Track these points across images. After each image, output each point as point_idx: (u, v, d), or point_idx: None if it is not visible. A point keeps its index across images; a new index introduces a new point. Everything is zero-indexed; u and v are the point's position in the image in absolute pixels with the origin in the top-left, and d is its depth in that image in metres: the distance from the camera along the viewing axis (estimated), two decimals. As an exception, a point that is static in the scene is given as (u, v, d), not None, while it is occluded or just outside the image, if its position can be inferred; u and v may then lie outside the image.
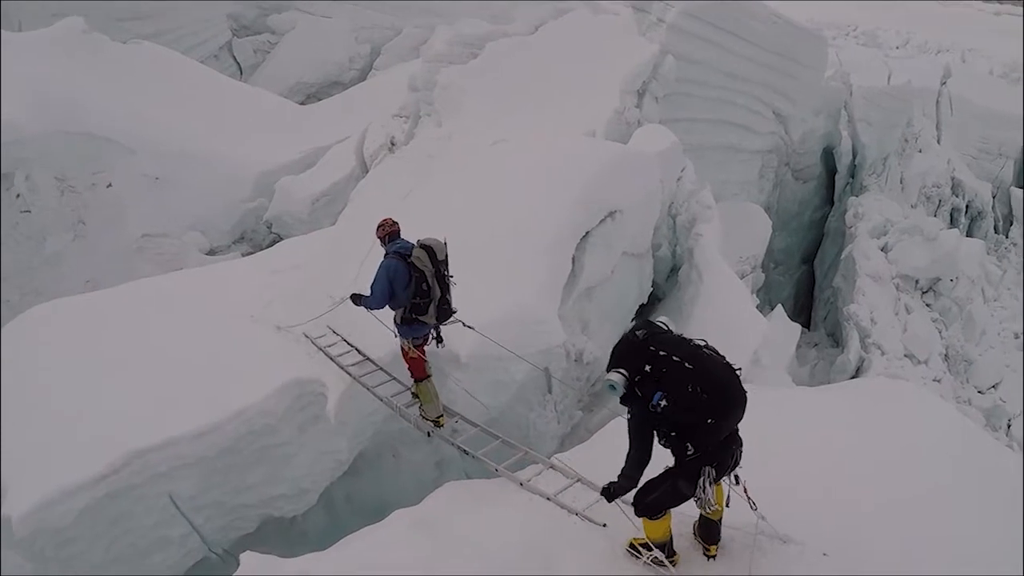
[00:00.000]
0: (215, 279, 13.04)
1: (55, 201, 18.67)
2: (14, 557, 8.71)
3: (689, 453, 6.17)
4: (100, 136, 19.75)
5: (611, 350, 6.38)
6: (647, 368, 6.08)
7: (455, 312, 9.19)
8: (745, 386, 6.13)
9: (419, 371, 9.47)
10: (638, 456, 6.40)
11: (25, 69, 19.77)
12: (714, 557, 6.90)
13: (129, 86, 22.22)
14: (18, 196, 17.86)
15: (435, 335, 9.47)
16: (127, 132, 20.46)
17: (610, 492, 6.60)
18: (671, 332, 6.36)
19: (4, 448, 9.21)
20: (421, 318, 9.03)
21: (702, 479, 6.25)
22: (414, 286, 8.86)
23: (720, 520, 6.80)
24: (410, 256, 8.83)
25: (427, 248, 8.82)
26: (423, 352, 9.45)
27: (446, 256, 8.94)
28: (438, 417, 9.60)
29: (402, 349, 9.43)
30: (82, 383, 10.06)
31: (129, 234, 19.75)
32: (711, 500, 6.35)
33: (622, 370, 6.16)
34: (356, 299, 9.28)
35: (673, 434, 6.17)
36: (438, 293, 8.91)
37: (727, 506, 6.62)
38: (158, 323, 11.31)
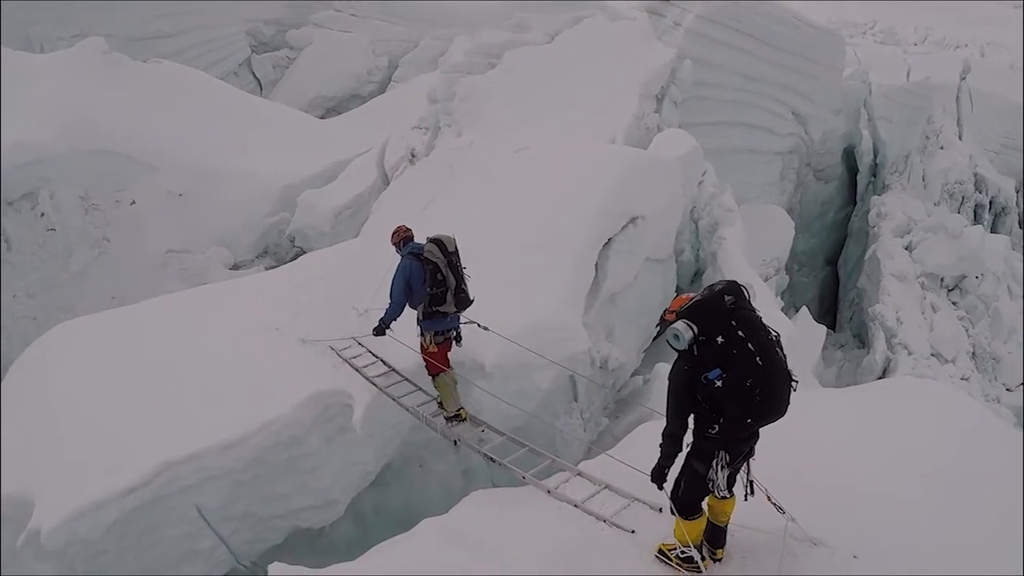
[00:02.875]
0: (239, 293, 13.08)
1: (79, 219, 18.90)
2: (44, 569, 8.79)
3: (710, 432, 6.08)
4: (122, 154, 19.98)
5: (692, 300, 6.07)
6: (719, 339, 5.84)
7: (473, 300, 9.39)
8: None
9: (435, 367, 9.60)
10: (679, 412, 6.16)
11: (47, 90, 20.03)
12: (720, 560, 6.80)
13: (150, 105, 22.39)
14: (43, 215, 18.07)
15: (456, 334, 9.65)
16: (149, 150, 20.67)
17: (658, 471, 6.38)
18: (753, 307, 6.10)
19: (34, 462, 9.32)
20: (441, 308, 9.23)
21: (715, 461, 6.18)
22: (430, 278, 9.11)
23: (727, 524, 6.73)
24: (422, 253, 9.12)
25: (437, 242, 9.14)
26: (446, 356, 9.63)
27: (456, 248, 9.20)
28: (459, 410, 9.69)
29: (421, 346, 9.58)
30: (109, 397, 10.11)
31: (153, 250, 19.94)
32: (721, 485, 6.26)
33: (694, 326, 5.90)
34: (379, 329, 9.68)
35: (706, 406, 6.03)
36: (453, 282, 9.15)
37: (747, 499, 6.51)
38: (184, 337, 11.35)
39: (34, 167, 17.75)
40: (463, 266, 9.28)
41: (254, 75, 36.34)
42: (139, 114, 21.61)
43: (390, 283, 9.38)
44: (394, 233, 9.63)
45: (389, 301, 9.41)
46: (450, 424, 9.65)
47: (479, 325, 9.61)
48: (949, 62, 38.42)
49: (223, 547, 9.64)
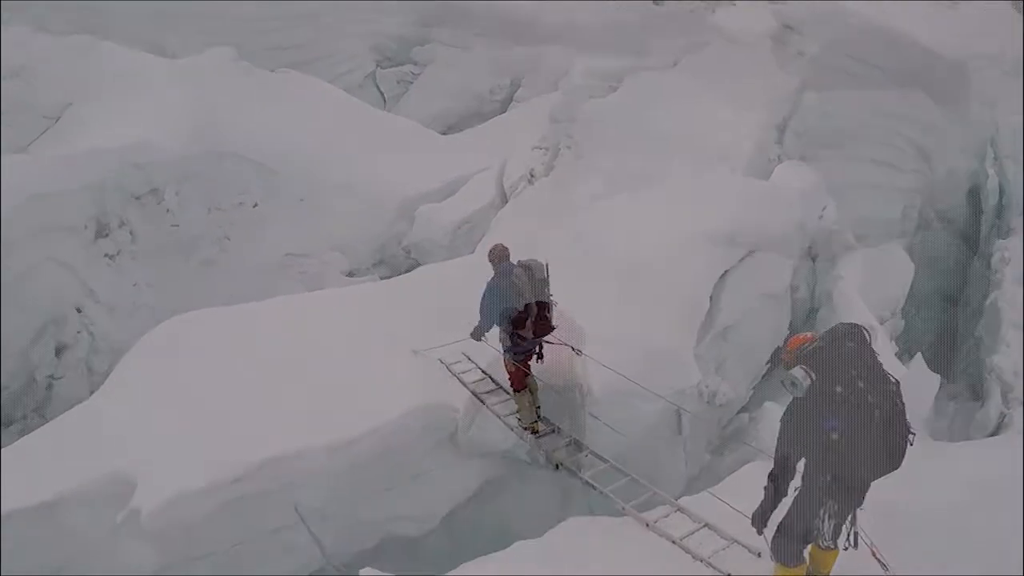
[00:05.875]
0: (355, 300, 13.33)
1: (202, 217, 19.54)
2: (138, 547, 9.03)
3: (821, 481, 5.95)
4: (247, 158, 20.53)
5: (813, 345, 5.96)
6: (838, 388, 5.69)
7: (555, 328, 9.60)
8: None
9: (518, 383, 9.88)
10: (789, 458, 6.08)
11: (178, 94, 20.74)
12: None
13: (276, 112, 22.93)
14: (168, 211, 18.81)
15: (537, 352, 9.83)
16: (273, 155, 21.18)
17: (760, 514, 6.31)
18: (874, 352, 5.93)
19: (139, 444, 9.55)
20: (520, 332, 9.43)
21: (823, 510, 6.02)
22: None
23: None
24: (512, 275, 9.31)
25: (526, 267, 9.38)
26: (527, 368, 9.83)
27: (545, 275, 9.41)
28: (532, 422, 9.92)
29: (504, 361, 9.88)
30: (218, 389, 10.39)
31: (272, 252, 20.41)
32: (827, 534, 6.08)
33: (812, 373, 5.76)
34: (476, 334, 9.99)
35: (819, 455, 5.89)
36: (535, 310, 9.32)
37: (846, 548, 6.27)
38: (297, 338, 11.57)
39: (161, 167, 18.49)
40: (550, 293, 9.45)
41: (378, 89, 36.88)
42: (265, 121, 22.14)
43: (480, 298, 9.64)
44: (491, 251, 9.88)
45: (479, 316, 9.69)
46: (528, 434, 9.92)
47: (574, 349, 9.75)
48: (1083, 94, 36.47)
49: (316, 546, 9.78)
